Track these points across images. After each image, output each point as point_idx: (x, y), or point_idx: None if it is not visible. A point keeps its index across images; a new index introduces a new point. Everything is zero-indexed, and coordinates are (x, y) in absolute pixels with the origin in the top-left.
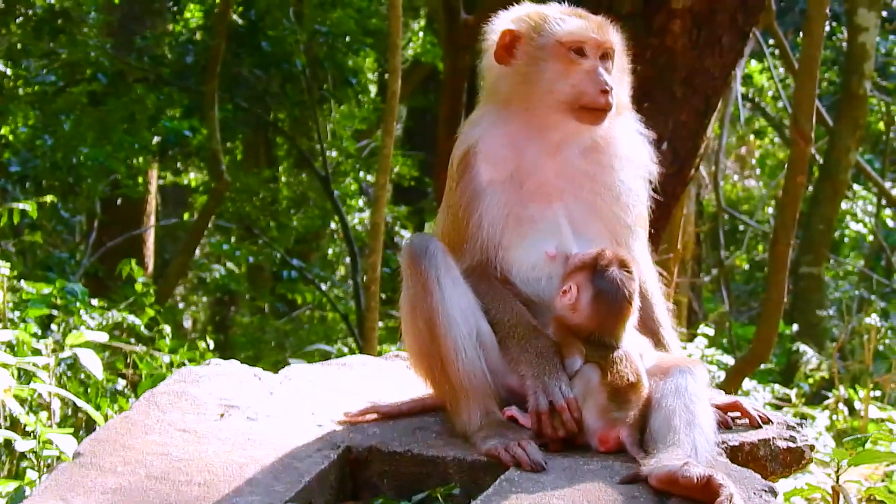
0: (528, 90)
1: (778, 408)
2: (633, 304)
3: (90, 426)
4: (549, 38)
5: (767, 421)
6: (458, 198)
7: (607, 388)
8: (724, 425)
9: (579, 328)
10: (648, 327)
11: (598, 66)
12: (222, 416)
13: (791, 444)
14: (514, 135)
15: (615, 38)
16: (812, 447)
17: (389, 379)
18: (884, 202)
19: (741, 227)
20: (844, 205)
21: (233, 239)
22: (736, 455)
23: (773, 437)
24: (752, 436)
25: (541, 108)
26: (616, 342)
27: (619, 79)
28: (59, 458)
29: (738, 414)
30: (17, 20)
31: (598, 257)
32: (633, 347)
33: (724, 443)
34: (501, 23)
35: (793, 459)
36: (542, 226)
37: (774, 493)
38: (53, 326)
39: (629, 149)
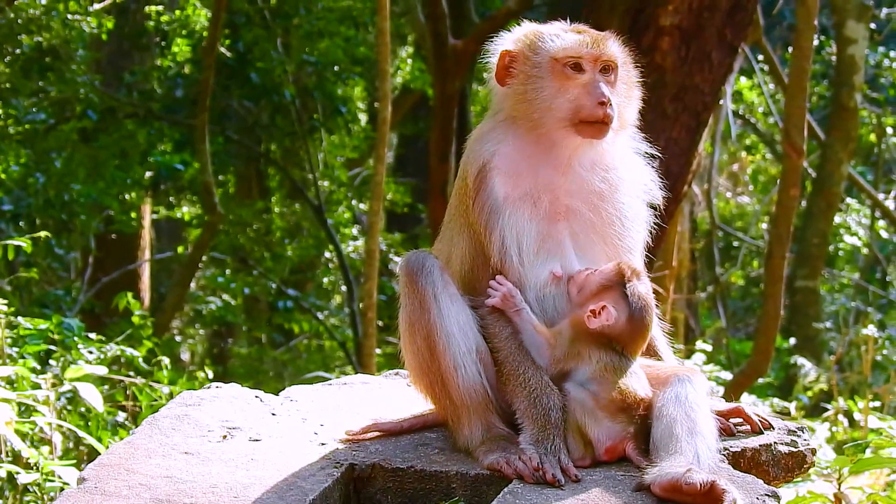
0: (529, 108)
1: None
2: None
3: (92, 459)
4: (543, 56)
5: (769, 426)
6: (477, 214)
7: (607, 408)
8: (726, 432)
9: (607, 338)
10: None
11: (596, 80)
12: (225, 437)
13: (792, 449)
14: (527, 151)
15: (616, 51)
16: (814, 451)
17: (390, 397)
18: (878, 213)
19: (735, 244)
20: (838, 218)
21: (228, 271)
22: (738, 461)
23: (775, 442)
24: (754, 441)
25: (545, 126)
26: (633, 356)
27: (626, 92)
28: (62, 489)
29: (740, 420)
30: (5, 59)
31: (620, 274)
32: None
33: (725, 449)
34: (500, 44)
35: (794, 464)
36: (548, 245)
37: (777, 498)
38: (52, 361)
39: (633, 170)
